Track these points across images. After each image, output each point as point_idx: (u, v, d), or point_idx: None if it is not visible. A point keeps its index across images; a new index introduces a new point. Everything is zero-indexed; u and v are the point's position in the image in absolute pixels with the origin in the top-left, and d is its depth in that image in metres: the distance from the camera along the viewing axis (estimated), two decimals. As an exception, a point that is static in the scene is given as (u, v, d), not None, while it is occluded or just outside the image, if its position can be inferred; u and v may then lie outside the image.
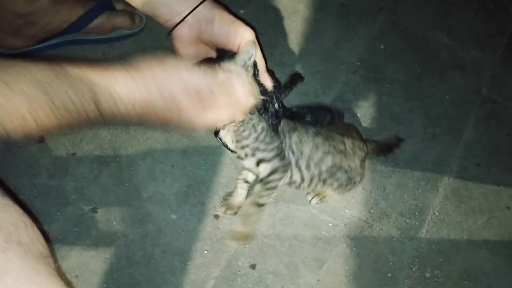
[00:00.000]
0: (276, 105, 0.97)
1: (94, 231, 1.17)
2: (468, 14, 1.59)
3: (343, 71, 1.45)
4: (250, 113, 0.95)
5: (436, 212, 1.26)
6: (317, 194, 1.22)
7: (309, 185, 1.12)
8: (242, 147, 1.02)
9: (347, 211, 1.24)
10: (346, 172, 1.13)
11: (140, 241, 1.17)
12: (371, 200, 1.26)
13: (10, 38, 1.33)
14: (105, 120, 0.73)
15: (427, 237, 1.22)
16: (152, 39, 1.44)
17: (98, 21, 1.39)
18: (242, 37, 0.91)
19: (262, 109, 0.96)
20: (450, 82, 1.45)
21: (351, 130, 1.19)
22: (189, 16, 0.92)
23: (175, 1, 0.93)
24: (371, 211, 1.25)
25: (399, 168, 1.31)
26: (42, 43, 1.37)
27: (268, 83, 0.95)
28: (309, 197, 1.23)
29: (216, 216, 1.21)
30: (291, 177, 1.09)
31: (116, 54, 1.41)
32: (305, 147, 1.06)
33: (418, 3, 1.60)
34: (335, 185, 1.14)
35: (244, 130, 0.99)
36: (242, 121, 0.97)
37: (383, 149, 1.28)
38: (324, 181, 1.12)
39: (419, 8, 1.59)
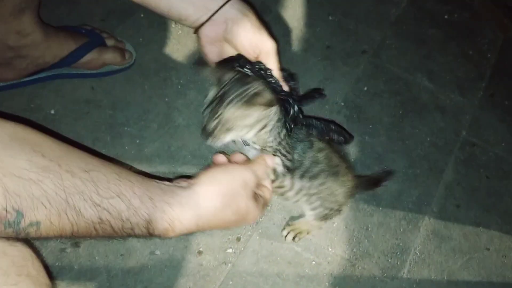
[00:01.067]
0: (295, 108, 0.97)
1: (76, 266, 1.16)
2: (448, 58, 1.65)
3: (328, 111, 1.48)
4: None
5: (418, 252, 1.28)
6: (292, 230, 1.23)
7: (295, 195, 1.08)
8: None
9: (330, 249, 1.25)
10: (331, 195, 1.11)
11: (123, 277, 1.16)
12: (354, 239, 1.28)
13: (0, 70, 1.34)
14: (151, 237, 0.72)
15: (409, 277, 1.24)
16: (141, 74, 1.47)
17: (89, 56, 1.40)
18: (263, 47, 0.92)
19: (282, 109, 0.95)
20: (431, 124, 1.49)
21: (346, 158, 1.20)
22: (216, 14, 0.92)
23: (202, 0, 0.92)
24: (354, 250, 1.26)
25: (381, 207, 1.33)
26: (31, 76, 1.38)
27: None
28: (284, 233, 1.24)
29: (200, 252, 1.21)
30: (282, 181, 1.07)
31: (105, 88, 1.42)
32: (306, 159, 1.05)
33: (400, 47, 1.65)
34: (317, 204, 1.12)
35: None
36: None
37: (372, 182, 1.29)
38: (310, 197, 1.10)
39: (401, 52, 1.64)
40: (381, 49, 1.64)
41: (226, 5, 0.92)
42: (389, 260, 1.25)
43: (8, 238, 0.61)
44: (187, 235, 1.22)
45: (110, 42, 1.46)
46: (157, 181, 0.74)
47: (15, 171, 0.57)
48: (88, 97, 1.41)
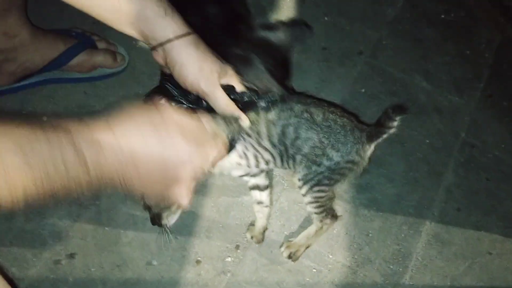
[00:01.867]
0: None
1: (71, 278, 1.13)
2: (445, 59, 1.63)
3: (325, 114, 1.46)
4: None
5: (419, 258, 1.26)
6: (288, 246, 1.20)
7: (282, 163, 1.04)
8: None
9: (330, 256, 1.23)
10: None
11: (119, 288, 1.13)
12: (355, 245, 1.26)
13: (-10, 74, 1.31)
14: (91, 175, 0.65)
15: (411, 283, 1.22)
16: (134, 79, 1.44)
17: (79, 58, 1.37)
18: (200, 91, 0.92)
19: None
20: (429, 126, 1.48)
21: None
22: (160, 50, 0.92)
23: (158, 25, 0.91)
24: (355, 257, 1.24)
25: (381, 213, 1.31)
26: (22, 81, 1.34)
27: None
28: (282, 249, 1.21)
29: (198, 262, 1.19)
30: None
31: (97, 93, 1.39)
32: (259, 128, 0.99)
33: (397, 47, 1.63)
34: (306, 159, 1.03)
35: None
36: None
37: (379, 126, 1.06)
38: (294, 157, 1.02)
39: (398, 52, 1.62)
40: (377, 49, 1.62)
41: (167, 45, 0.91)
42: (391, 267, 1.23)
43: None
44: (184, 245, 1.20)
45: (101, 44, 1.43)
46: None
47: None
48: (81, 102, 1.38)
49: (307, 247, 1.21)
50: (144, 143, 0.69)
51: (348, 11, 1.69)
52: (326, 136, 1.00)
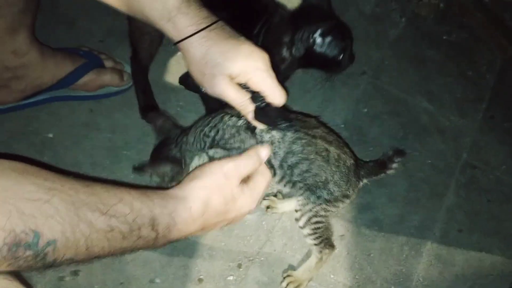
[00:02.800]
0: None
1: (75, 294, 1.14)
2: (447, 80, 1.65)
3: (328, 133, 1.47)
4: None
5: (421, 278, 1.26)
6: (292, 282, 1.20)
7: (278, 182, 1.07)
8: None
9: (332, 276, 1.24)
10: (323, 182, 1.06)
11: (122, 306, 1.14)
12: (356, 265, 1.26)
13: (-2, 92, 1.32)
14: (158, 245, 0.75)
15: (412, 304, 1.23)
16: (140, 97, 1.45)
17: (87, 78, 1.39)
18: (249, 72, 0.87)
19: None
20: (431, 147, 1.49)
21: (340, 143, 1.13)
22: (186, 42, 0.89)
23: (180, 18, 0.88)
24: (356, 277, 1.25)
25: (383, 233, 1.32)
26: (29, 99, 1.36)
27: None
28: (284, 285, 1.20)
29: (200, 280, 1.20)
30: None
31: (103, 111, 1.41)
32: (279, 149, 1.02)
33: (400, 68, 1.65)
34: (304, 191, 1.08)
35: None
36: None
37: (379, 165, 1.19)
38: (293, 184, 1.06)
39: (401, 73, 1.64)
40: (380, 70, 1.64)
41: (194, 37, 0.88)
42: (392, 287, 1.24)
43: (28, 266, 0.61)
44: (187, 263, 1.21)
45: (108, 63, 1.45)
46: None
47: (25, 195, 0.59)
48: (87, 120, 1.39)
49: (309, 281, 1.21)
50: (215, 216, 0.82)
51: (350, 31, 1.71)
52: (332, 174, 1.06)
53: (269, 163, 1.02)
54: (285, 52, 1.22)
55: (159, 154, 1.09)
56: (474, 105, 1.60)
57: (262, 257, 1.25)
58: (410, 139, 1.49)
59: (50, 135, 1.35)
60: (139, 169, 1.08)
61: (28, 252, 0.58)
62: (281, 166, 1.03)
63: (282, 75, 1.31)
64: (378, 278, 1.25)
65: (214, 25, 0.88)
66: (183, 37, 0.88)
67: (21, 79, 1.32)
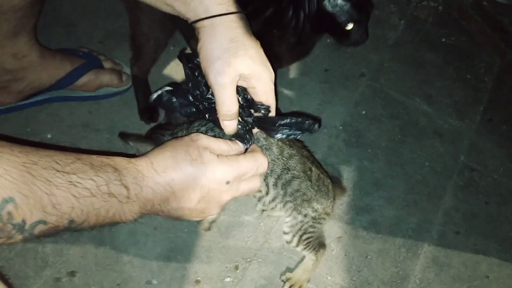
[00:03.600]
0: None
1: (72, 296, 1.14)
2: (446, 83, 1.65)
3: (326, 135, 1.48)
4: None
5: (417, 280, 1.26)
6: (293, 285, 1.20)
7: (270, 202, 1.08)
8: None
9: (329, 277, 1.24)
10: (307, 201, 1.10)
11: (119, 307, 1.14)
12: (353, 267, 1.26)
13: (-3, 94, 1.33)
14: (135, 206, 0.72)
15: (409, 306, 1.23)
16: (139, 98, 1.45)
17: (85, 78, 1.39)
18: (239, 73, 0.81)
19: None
20: (429, 149, 1.49)
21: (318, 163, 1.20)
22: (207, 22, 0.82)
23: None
24: (354, 279, 1.25)
25: (380, 235, 1.32)
26: (28, 99, 1.36)
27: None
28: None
29: (197, 282, 1.20)
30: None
31: (102, 112, 1.41)
32: (277, 166, 1.04)
33: (398, 70, 1.65)
34: (292, 211, 1.11)
35: None
36: None
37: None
38: (285, 204, 1.09)
39: (399, 76, 1.64)
40: (379, 72, 1.64)
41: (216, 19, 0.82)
42: (389, 289, 1.24)
43: None
44: (184, 265, 1.21)
45: (107, 64, 1.45)
46: None
47: None
48: (86, 121, 1.40)
49: (308, 282, 1.21)
50: (182, 173, 0.75)
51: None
52: (315, 193, 1.10)
53: (263, 181, 1.04)
54: (302, 12, 1.21)
55: (151, 134, 1.09)
56: (472, 108, 1.61)
57: (259, 259, 1.25)
58: (409, 142, 1.50)
59: (49, 136, 1.36)
60: (124, 135, 1.06)
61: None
62: (275, 185, 1.06)
63: (302, 46, 1.32)
64: (375, 280, 1.25)
65: (241, 15, 0.84)
66: (211, 14, 0.81)
67: (21, 80, 1.32)
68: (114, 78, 1.43)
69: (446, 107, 1.59)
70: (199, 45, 0.83)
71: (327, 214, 1.16)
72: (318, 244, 1.18)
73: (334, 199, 1.18)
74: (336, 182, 1.25)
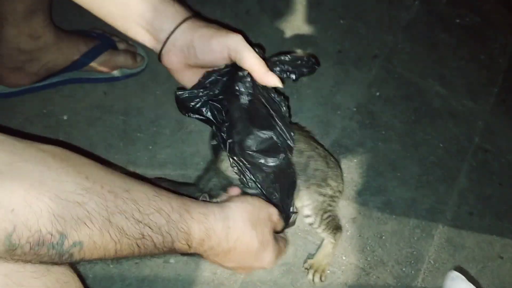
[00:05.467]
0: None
1: (91, 274, 1.16)
2: (460, 63, 1.64)
3: (340, 117, 1.48)
4: None
5: (432, 261, 1.27)
6: (316, 270, 1.20)
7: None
8: None
9: (344, 258, 1.25)
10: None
11: (137, 285, 1.16)
12: (368, 248, 1.27)
13: (12, 75, 1.33)
14: (190, 250, 0.75)
15: (423, 286, 1.24)
16: (153, 79, 1.46)
17: (100, 59, 1.39)
18: (229, 47, 0.86)
19: None
20: (443, 130, 1.49)
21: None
22: (169, 44, 0.89)
23: (152, 27, 0.89)
24: (368, 259, 1.26)
25: (395, 215, 1.33)
26: (43, 81, 1.37)
27: (277, 82, 0.88)
28: (310, 277, 1.20)
29: (214, 261, 1.21)
30: None
31: (117, 94, 1.42)
32: None
33: (412, 51, 1.65)
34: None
35: None
36: None
37: None
38: (309, 187, 1.11)
39: (413, 57, 1.64)
40: (392, 53, 1.64)
41: (175, 33, 0.88)
42: (403, 269, 1.25)
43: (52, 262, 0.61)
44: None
45: (121, 45, 1.45)
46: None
47: (61, 194, 0.58)
48: (101, 103, 1.40)
49: (329, 265, 1.23)
50: (248, 247, 0.81)
51: (363, 15, 1.71)
52: (329, 169, 1.14)
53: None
54: None
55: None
56: (486, 89, 1.60)
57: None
58: (422, 123, 1.49)
59: (65, 117, 1.36)
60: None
61: (52, 251, 0.58)
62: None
63: None
64: (390, 260, 1.26)
65: (191, 19, 0.89)
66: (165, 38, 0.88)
67: (36, 61, 1.33)
68: (129, 59, 1.43)
69: (460, 88, 1.59)
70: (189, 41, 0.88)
71: (340, 191, 1.18)
72: (336, 226, 1.19)
73: (342, 175, 1.20)
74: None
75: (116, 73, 1.43)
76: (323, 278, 1.20)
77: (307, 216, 1.16)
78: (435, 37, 1.69)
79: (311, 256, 1.24)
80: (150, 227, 0.67)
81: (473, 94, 1.58)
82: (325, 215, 1.15)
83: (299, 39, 1.62)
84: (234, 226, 0.79)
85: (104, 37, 1.43)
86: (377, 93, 1.54)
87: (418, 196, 1.36)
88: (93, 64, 1.39)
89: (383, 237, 1.29)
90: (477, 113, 1.54)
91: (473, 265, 1.28)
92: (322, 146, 1.21)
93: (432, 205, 1.35)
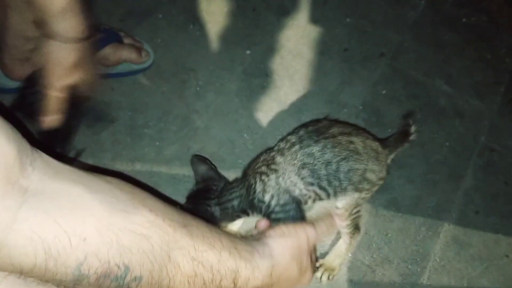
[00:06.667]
0: None
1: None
2: (466, 63, 1.64)
3: (346, 115, 1.48)
4: None
5: (437, 259, 1.27)
6: (326, 270, 1.20)
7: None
8: None
9: (350, 254, 1.25)
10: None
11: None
12: (374, 245, 1.28)
13: (20, 67, 1.33)
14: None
15: (428, 283, 1.24)
16: (160, 76, 1.46)
17: (105, 51, 1.40)
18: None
19: None
20: (449, 129, 1.49)
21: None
22: None
23: None
24: (374, 256, 1.26)
25: (401, 213, 1.33)
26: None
27: None
28: (319, 274, 1.20)
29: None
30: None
31: (124, 90, 1.42)
32: (319, 171, 1.03)
33: (418, 50, 1.65)
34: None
35: None
36: None
37: (400, 137, 1.24)
38: (345, 189, 1.06)
39: (419, 55, 1.64)
40: (399, 52, 1.64)
41: None
42: (409, 267, 1.25)
43: None
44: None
45: (127, 40, 1.46)
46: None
47: (129, 226, 0.59)
48: (108, 98, 1.41)
49: (340, 265, 1.22)
50: (290, 270, 0.82)
51: (370, 13, 1.71)
52: (366, 163, 1.06)
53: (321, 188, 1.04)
54: None
55: (195, 204, 1.12)
56: (492, 88, 1.60)
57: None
58: (429, 122, 1.50)
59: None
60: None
61: (113, 284, 0.58)
62: (329, 182, 1.03)
63: None
64: (395, 258, 1.26)
65: None
66: None
67: (41, 49, 1.33)
68: (133, 53, 1.44)
69: (467, 88, 1.59)
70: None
71: (381, 179, 1.11)
72: (357, 226, 1.18)
73: (387, 158, 1.14)
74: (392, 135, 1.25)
75: (122, 68, 1.44)
76: (331, 277, 1.20)
77: (337, 208, 1.11)
78: (442, 36, 1.69)
79: (322, 255, 1.24)
80: (203, 265, 0.66)
81: (480, 94, 1.58)
82: (355, 210, 1.12)
83: (305, 37, 1.62)
84: (278, 264, 0.79)
85: (109, 31, 1.43)
86: (383, 92, 1.54)
87: (424, 194, 1.36)
88: (98, 56, 1.38)
89: (389, 235, 1.29)
90: (483, 113, 1.54)
91: (478, 263, 1.28)
92: (361, 133, 1.12)
93: (438, 204, 1.35)
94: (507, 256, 1.30)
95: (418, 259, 1.27)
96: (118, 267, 0.57)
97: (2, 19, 1.24)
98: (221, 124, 1.41)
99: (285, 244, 0.81)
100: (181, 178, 1.31)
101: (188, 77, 1.48)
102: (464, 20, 1.74)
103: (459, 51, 1.67)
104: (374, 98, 1.53)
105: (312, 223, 0.92)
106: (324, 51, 1.61)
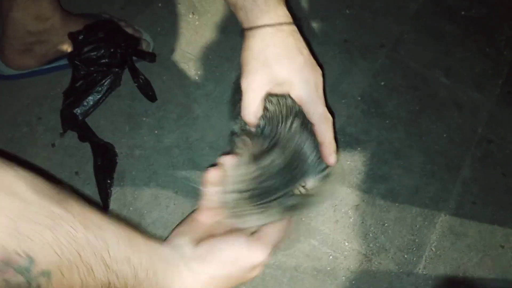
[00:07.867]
0: None
1: None
2: (465, 55, 1.64)
3: (345, 105, 1.49)
4: None
5: (433, 248, 1.28)
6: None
7: None
8: None
9: (347, 244, 1.26)
10: None
11: None
12: (371, 234, 1.28)
13: (21, 57, 1.34)
14: None
15: (424, 273, 1.25)
16: (160, 65, 1.46)
17: None
18: (304, 99, 0.87)
19: None
20: (448, 120, 1.49)
21: None
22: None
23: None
24: (370, 245, 1.27)
25: (398, 203, 1.34)
26: (52, 63, 1.38)
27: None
28: None
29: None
30: None
31: (124, 78, 1.42)
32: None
33: (418, 42, 1.65)
34: None
35: None
36: None
37: None
38: None
39: (419, 47, 1.64)
40: (399, 43, 1.64)
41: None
42: (405, 256, 1.26)
43: None
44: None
45: (127, 30, 1.46)
46: (163, 245, 0.73)
47: (30, 215, 0.53)
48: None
49: None
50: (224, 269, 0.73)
51: (370, 5, 1.71)
52: None
53: None
54: None
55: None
56: (491, 80, 1.60)
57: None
58: (427, 112, 1.50)
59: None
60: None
61: (20, 278, 0.52)
62: None
63: None
64: (392, 247, 1.27)
65: (285, 26, 0.85)
66: (252, 26, 0.84)
67: (44, 43, 1.34)
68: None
69: (466, 79, 1.59)
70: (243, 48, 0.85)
71: None
72: None
73: None
74: None
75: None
76: None
77: None
78: (442, 28, 1.69)
79: (314, 241, 1.25)
80: (117, 276, 0.60)
81: (479, 85, 1.58)
82: None
83: (305, 27, 1.62)
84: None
85: (110, 21, 1.43)
86: (383, 83, 1.55)
87: (422, 184, 1.37)
88: None
89: (386, 224, 1.30)
90: (482, 104, 1.54)
91: (474, 253, 1.29)
92: None
93: (436, 194, 1.36)
94: (502, 246, 1.31)
95: (414, 249, 1.28)
96: (19, 254, 0.51)
97: (7, 10, 1.25)
98: (221, 113, 1.41)
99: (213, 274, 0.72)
100: (180, 166, 1.32)
101: (188, 66, 1.48)
102: (463, 12, 1.74)
103: (459, 43, 1.67)
104: (373, 89, 1.53)
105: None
106: (323, 41, 1.61)
